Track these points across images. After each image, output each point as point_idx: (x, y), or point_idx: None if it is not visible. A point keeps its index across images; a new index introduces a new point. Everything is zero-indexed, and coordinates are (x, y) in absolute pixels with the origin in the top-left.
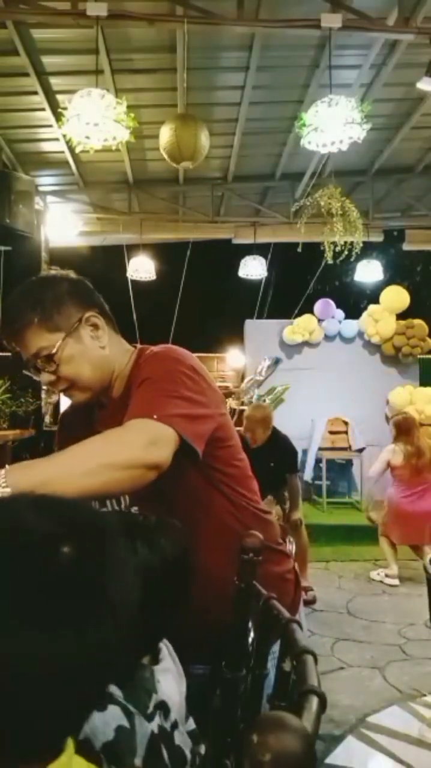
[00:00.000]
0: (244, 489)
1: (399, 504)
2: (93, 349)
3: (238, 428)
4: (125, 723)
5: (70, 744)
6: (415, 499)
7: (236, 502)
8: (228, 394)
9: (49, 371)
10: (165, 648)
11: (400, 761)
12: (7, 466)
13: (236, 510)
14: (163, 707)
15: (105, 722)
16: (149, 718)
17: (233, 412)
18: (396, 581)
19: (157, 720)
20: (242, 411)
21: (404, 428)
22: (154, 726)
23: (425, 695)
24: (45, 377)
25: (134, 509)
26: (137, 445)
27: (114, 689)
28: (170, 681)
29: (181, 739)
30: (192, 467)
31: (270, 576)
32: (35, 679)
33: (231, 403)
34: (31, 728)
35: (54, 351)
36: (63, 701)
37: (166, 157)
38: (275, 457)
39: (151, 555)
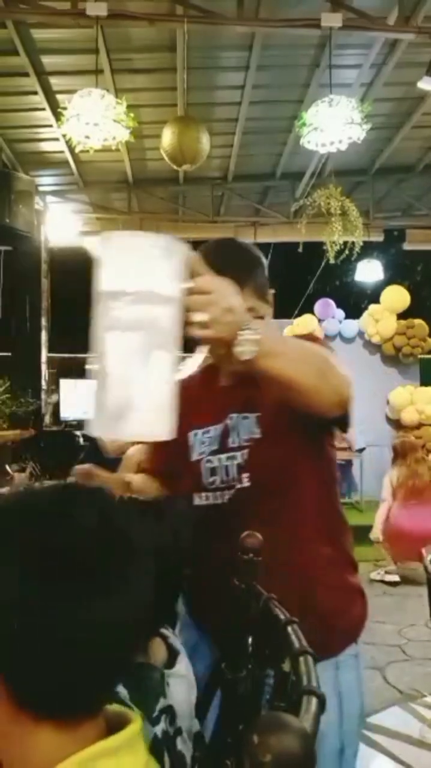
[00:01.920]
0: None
1: (396, 520)
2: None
3: None
4: None
5: (143, 747)
6: (412, 514)
7: (332, 500)
8: None
9: None
10: (183, 653)
11: (400, 761)
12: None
13: (330, 506)
14: (169, 711)
15: None
16: (154, 722)
17: None
18: (395, 577)
19: (162, 724)
20: None
21: (400, 452)
22: (158, 730)
23: (425, 696)
24: None
25: (245, 477)
26: (347, 386)
27: (120, 689)
28: (181, 687)
29: (183, 745)
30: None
31: (350, 588)
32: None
33: None
34: (93, 677)
35: (262, 316)
36: (115, 652)
37: (167, 159)
38: None
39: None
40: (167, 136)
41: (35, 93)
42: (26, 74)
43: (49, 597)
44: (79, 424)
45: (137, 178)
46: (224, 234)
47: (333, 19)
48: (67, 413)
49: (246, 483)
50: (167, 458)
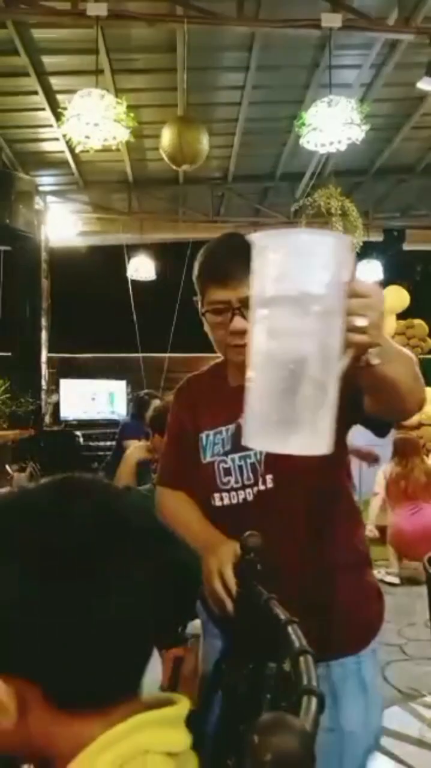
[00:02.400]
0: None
1: (395, 524)
2: None
3: None
4: None
5: (185, 730)
6: (409, 515)
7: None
8: None
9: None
10: None
11: (400, 761)
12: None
13: (350, 503)
14: None
15: None
16: None
17: None
18: (396, 579)
19: None
20: None
21: (400, 450)
22: None
23: (425, 695)
24: (241, 324)
25: (269, 478)
26: (424, 387)
27: None
28: None
29: None
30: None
31: (369, 585)
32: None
33: None
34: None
35: None
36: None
37: (166, 159)
38: None
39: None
40: (167, 137)
41: (36, 93)
42: (27, 74)
43: (60, 596)
44: (79, 424)
45: (137, 178)
46: None
47: (332, 20)
48: (67, 413)
49: (270, 484)
50: (181, 460)
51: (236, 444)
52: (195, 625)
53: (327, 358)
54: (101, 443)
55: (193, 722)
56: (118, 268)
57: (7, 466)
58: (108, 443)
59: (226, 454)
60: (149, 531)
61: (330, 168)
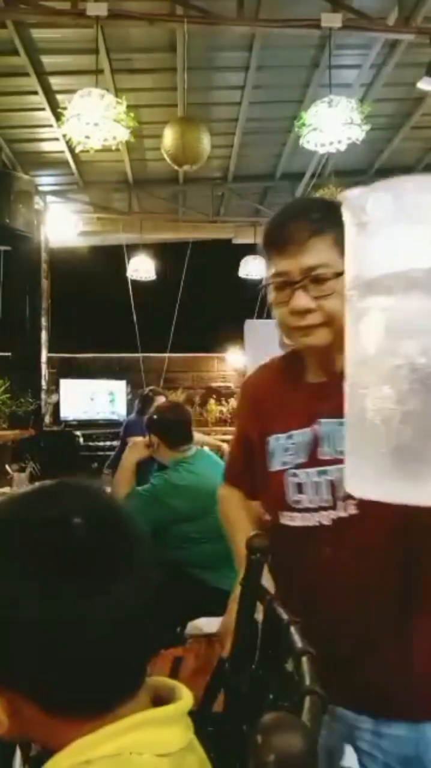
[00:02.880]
0: None
1: None
2: None
3: None
4: None
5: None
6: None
7: None
8: (230, 394)
9: (314, 295)
10: None
11: None
12: None
13: None
14: None
15: None
16: None
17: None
18: None
19: None
20: None
21: None
22: None
23: None
24: (303, 301)
25: (352, 504)
26: None
27: None
28: None
29: None
30: None
31: None
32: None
33: (233, 402)
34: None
35: (340, 272)
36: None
37: (168, 159)
38: None
39: None
40: (169, 137)
41: (35, 93)
42: (26, 74)
43: (56, 597)
44: (79, 424)
45: (137, 178)
46: (224, 234)
47: (332, 20)
48: (67, 413)
49: (353, 511)
50: (242, 462)
51: (313, 455)
52: (194, 625)
53: None
54: (101, 443)
55: (195, 721)
56: (118, 268)
57: (7, 466)
58: (108, 443)
59: (298, 466)
60: (145, 532)
61: (330, 168)
